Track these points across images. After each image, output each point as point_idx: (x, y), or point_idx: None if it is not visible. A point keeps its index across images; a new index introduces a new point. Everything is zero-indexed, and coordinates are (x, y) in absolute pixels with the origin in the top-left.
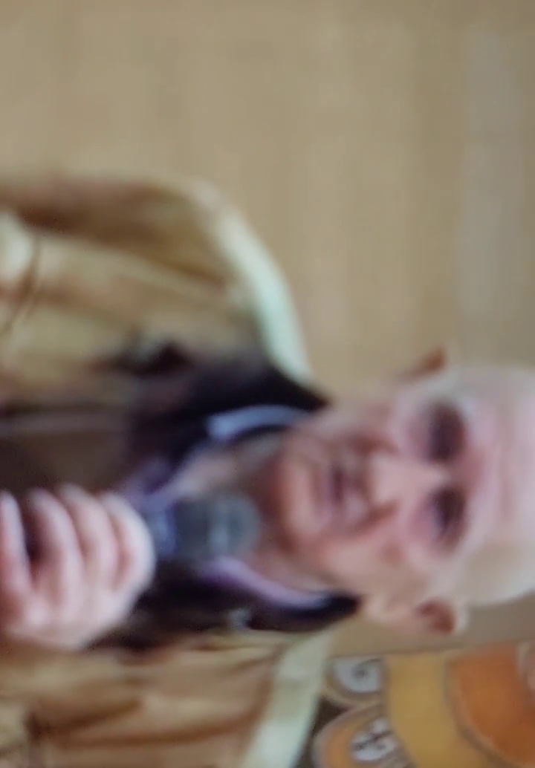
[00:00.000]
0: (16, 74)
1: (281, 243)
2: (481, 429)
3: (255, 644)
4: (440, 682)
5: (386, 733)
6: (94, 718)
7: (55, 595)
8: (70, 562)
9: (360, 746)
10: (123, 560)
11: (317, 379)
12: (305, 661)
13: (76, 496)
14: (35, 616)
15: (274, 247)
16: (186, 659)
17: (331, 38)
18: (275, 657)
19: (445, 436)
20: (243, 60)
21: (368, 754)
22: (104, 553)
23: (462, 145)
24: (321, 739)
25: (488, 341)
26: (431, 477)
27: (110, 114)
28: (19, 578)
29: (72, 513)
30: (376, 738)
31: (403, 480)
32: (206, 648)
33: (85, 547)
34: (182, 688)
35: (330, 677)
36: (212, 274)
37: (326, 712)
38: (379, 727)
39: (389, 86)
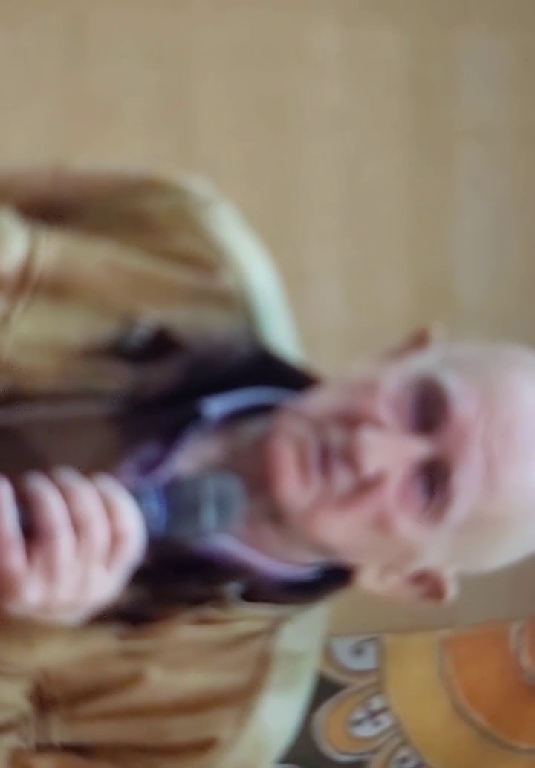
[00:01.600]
0: (25, 75)
1: (281, 237)
2: (464, 402)
3: (253, 617)
4: (434, 659)
5: (382, 710)
6: (98, 691)
7: (50, 573)
8: (64, 541)
9: (358, 722)
10: (116, 538)
11: (316, 366)
12: (303, 634)
13: (70, 477)
14: (31, 594)
15: (274, 240)
16: (185, 633)
17: (328, 40)
18: (273, 629)
19: (429, 410)
20: (245, 61)
21: (366, 730)
22: (97, 531)
23: (455, 143)
24: (320, 716)
25: (482, 332)
26: (417, 449)
27: (117, 113)
28: (15, 557)
29: (65, 493)
30: (373, 714)
31: (389, 452)
32: (204, 621)
33: (78, 526)
34: (183, 660)
35: (328, 655)
36: (205, 260)
37: (324, 690)
38: (376, 703)
39: (385, 86)
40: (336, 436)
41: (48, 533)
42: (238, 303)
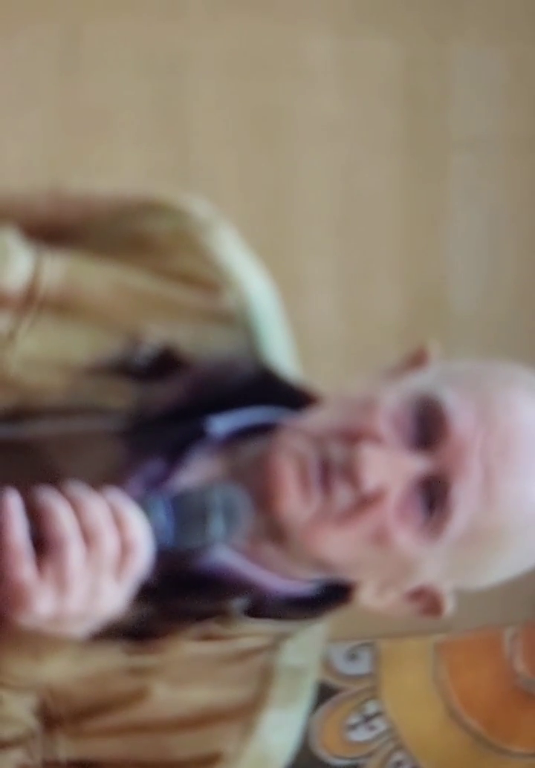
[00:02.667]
0: (20, 85)
1: (275, 247)
2: (462, 418)
3: (255, 633)
4: (428, 665)
5: (377, 714)
6: (103, 707)
7: (60, 584)
8: (74, 552)
9: (353, 727)
10: (125, 549)
11: (310, 378)
12: (304, 649)
13: (78, 489)
14: (42, 605)
15: (268, 249)
16: (189, 648)
17: (323, 51)
18: (275, 645)
19: (428, 426)
20: (240, 71)
21: (361, 735)
22: (107, 542)
23: (449, 153)
24: (315, 721)
25: (476, 340)
26: (416, 464)
27: (112, 123)
28: (26, 569)
29: (75, 505)
30: (368, 719)
31: (389, 468)
32: (208, 637)
33: (88, 537)
34: (187, 676)
35: (324, 661)
36: (207, 280)
37: (319, 694)
38: (371, 708)
39: (379, 97)
40: (336, 452)
41: (58, 544)
42: (239, 322)
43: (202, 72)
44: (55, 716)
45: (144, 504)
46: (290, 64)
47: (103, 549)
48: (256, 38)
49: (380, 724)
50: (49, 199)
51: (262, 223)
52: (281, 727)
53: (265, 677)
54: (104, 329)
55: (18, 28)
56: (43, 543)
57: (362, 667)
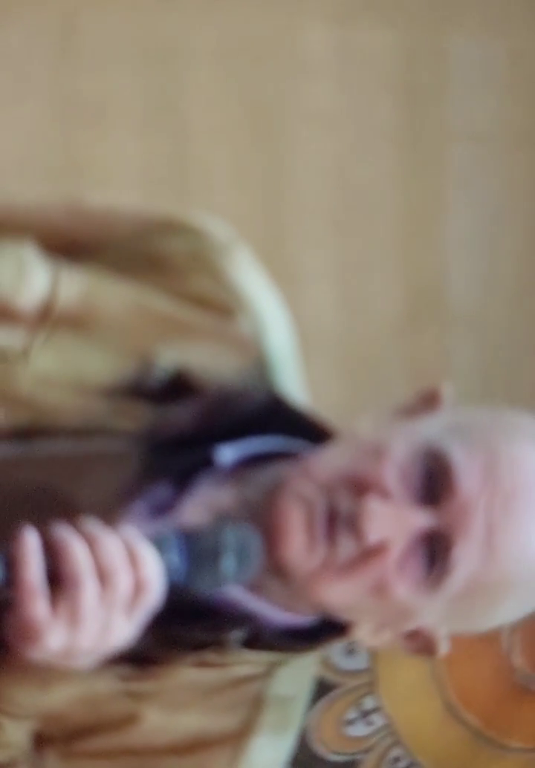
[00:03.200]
0: (15, 76)
1: (271, 238)
2: (468, 476)
3: (249, 661)
4: (426, 659)
5: (375, 710)
6: (95, 730)
7: (73, 621)
8: (89, 590)
9: (350, 722)
10: (138, 588)
11: (307, 369)
12: (296, 678)
13: (94, 525)
14: (54, 640)
15: (264, 242)
16: (184, 675)
17: (320, 42)
18: (267, 673)
19: (434, 481)
20: (236, 62)
21: (358, 730)
22: (121, 581)
23: (446, 145)
24: (312, 716)
25: (474, 333)
26: (420, 520)
27: (108, 114)
28: (40, 605)
29: (90, 542)
30: (365, 714)
31: (393, 522)
32: (203, 665)
33: (103, 575)
34: (179, 702)
35: (322, 656)
36: (222, 304)
37: (317, 690)
38: (368, 703)
39: (376, 88)
40: (343, 502)
41: (73, 582)
42: (252, 348)
43: (198, 63)
44: (47, 736)
45: (158, 542)
46: (287, 55)
47: (118, 588)
48: (253, 29)
49: (377, 720)
50: (67, 213)
51: (258, 214)
52: (269, 754)
53: (256, 705)
54: (119, 349)
55: (13, 19)
56: (57, 578)
57: (359, 662)
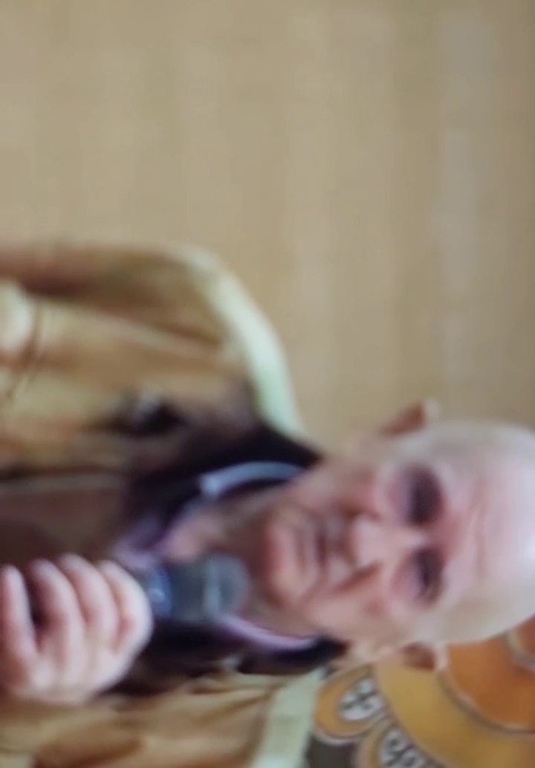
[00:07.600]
0: (7, 57)
1: (267, 224)
2: (457, 495)
3: (248, 685)
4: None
5: (372, 693)
6: (95, 758)
7: (59, 659)
8: (73, 629)
9: (348, 706)
10: (123, 625)
11: (302, 355)
12: (296, 699)
13: (78, 564)
14: (40, 678)
15: (259, 226)
16: (182, 702)
17: (314, 25)
18: (267, 696)
19: (424, 501)
20: (230, 45)
21: (356, 714)
22: (106, 619)
23: (440, 128)
24: None
25: (468, 315)
26: (411, 540)
27: (101, 97)
28: (25, 644)
29: (74, 581)
30: (363, 698)
31: (384, 544)
32: (201, 691)
33: (87, 614)
34: (179, 728)
35: None
36: (209, 334)
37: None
38: (366, 687)
39: (370, 71)
40: (333, 527)
41: (58, 621)
42: (239, 375)
43: (192, 46)
44: (49, 766)
45: (141, 578)
46: (281, 38)
47: (102, 626)
48: (247, 12)
49: (375, 703)
50: (52, 252)
51: (252, 199)
52: None
53: (258, 728)
54: (102, 385)
55: (5, 2)
56: (42, 617)
57: None
